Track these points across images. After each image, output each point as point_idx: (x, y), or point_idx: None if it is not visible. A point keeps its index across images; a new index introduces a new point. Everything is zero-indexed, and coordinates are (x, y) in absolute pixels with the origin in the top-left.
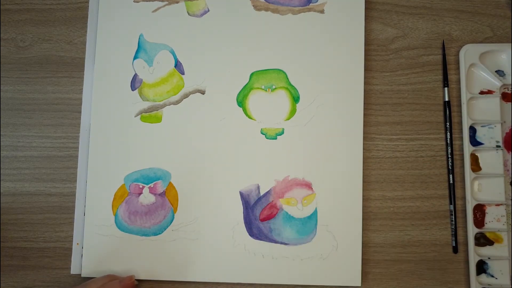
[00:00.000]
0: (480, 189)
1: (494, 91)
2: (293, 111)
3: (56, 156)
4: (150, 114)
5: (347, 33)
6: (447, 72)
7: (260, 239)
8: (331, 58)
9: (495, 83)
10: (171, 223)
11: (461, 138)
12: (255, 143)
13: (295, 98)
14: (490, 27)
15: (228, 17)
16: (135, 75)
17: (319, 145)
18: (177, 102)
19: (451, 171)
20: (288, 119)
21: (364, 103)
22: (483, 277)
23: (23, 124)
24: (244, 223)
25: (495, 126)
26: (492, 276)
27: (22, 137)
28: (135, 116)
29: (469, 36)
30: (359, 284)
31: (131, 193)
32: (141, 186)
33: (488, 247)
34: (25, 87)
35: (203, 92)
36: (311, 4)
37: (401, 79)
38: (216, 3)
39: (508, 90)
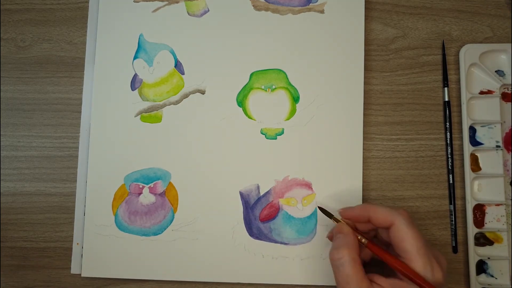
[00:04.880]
0: (480, 189)
1: (494, 91)
2: (293, 111)
3: (56, 156)
4: (150, 114)
5: (347, 33)
6: (447, 72)
7: (260, 239)
8: (331, 58)
9: (495, 83)
10: (171, 223)
11: (461, 138)
12: (255, 143)
13: (295, 98)
14: (490, 27)
15: (228, 17)
16: (135, 75)
17: (319, 145)
18: (177, 102)
19: (451, 171)
20: (288, 119)
21: (364, 103)
22: (483, 277)
23: (23, 124)
24: (244, 223)
25: (495, 126)
26: (492, 276)
27: (22, 137)
28: (135, 116)
29: (469, 36)
30: None
31: (131, 193)
32: (141, 186)
33: (488, 247)
34: (25, 87)
35: (203, 92)
36: (311, 4)
37: (401, 79)
38: (216, 3)
39: (508, 90)
